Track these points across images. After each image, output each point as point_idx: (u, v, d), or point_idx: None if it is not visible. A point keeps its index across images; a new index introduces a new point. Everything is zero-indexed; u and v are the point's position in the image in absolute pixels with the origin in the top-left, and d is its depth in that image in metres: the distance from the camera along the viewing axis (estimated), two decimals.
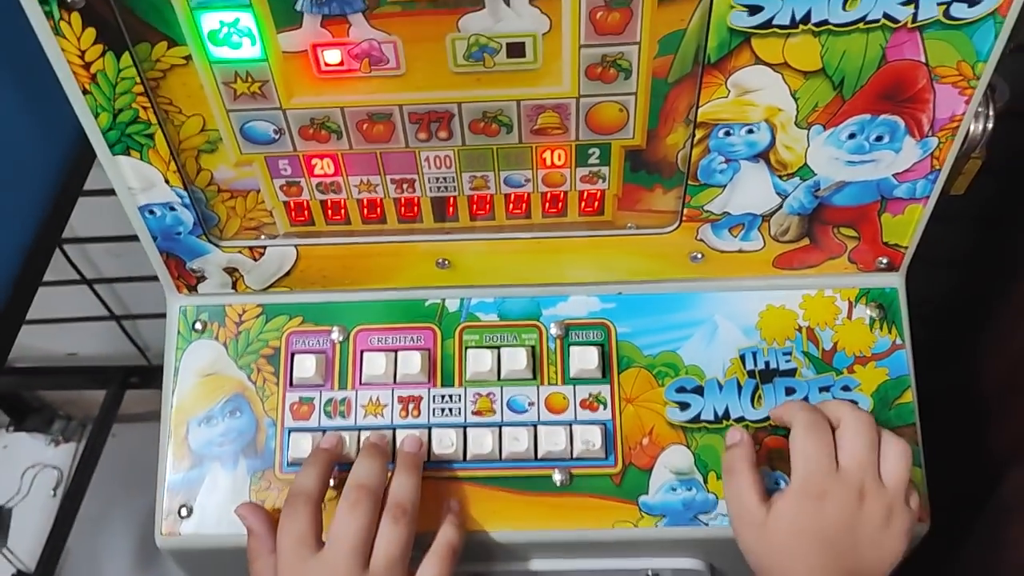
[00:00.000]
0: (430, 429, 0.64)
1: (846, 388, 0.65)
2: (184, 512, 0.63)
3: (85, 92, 0.54)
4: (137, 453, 1.69)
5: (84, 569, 1.57)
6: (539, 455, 0.64)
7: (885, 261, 0.65)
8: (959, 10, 0.49)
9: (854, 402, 0.63)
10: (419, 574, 0.59)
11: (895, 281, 0.67)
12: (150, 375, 1.63)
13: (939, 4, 0.49)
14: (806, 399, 0.64)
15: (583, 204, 0.63)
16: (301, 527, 0.58)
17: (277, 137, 0.58)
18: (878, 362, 0.65)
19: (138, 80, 0.53)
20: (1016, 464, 0.83)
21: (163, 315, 1.61)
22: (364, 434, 0.64)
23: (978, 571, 0.90)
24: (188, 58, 0.53)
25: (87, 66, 0.52)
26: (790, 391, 0.64)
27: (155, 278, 1.27)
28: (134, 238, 0.80)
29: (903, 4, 0.49)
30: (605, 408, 0.65)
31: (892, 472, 0.58)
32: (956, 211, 0.83)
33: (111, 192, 0.79)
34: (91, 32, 0.51)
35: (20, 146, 0.81)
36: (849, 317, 0.66)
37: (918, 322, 0.71)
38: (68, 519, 1.42)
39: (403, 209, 0.63)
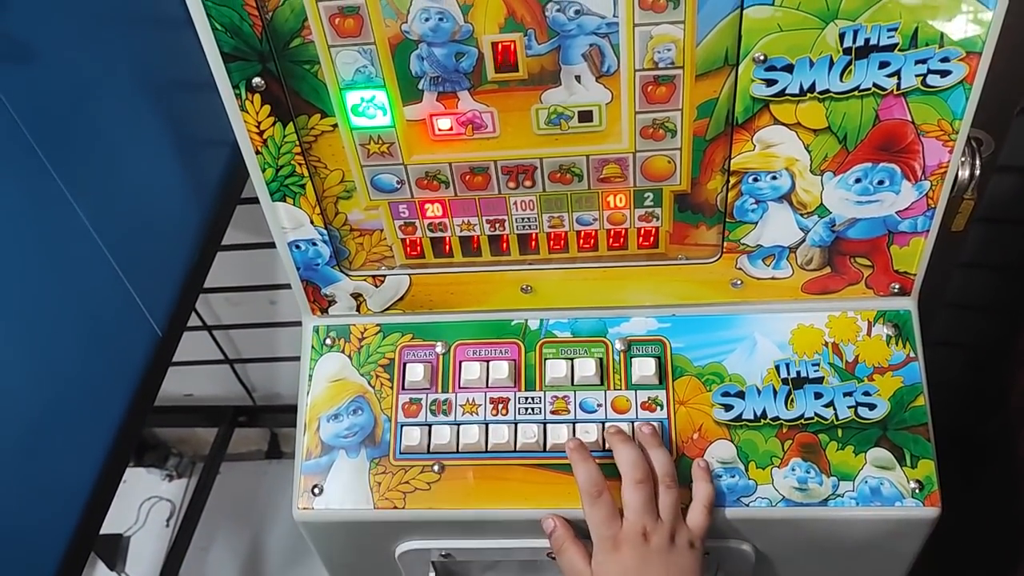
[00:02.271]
0: (516, 425, 0.74)
1: (867, 394, 0.72)
2: (316, 491, 0.74)
3: (257, 152, 0.67)
4: (240, 489, 1.83)
5: None
6: (607, 447, 0.72)
7: (897, 287, 0.73)
8: (934, 80, 0.60)
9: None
10: (689, 520, 0.70)
11: (908, 304, 0.75)
12: (256, 414, 1.73)
13: (916, 76, 0.60)
14: (831, 403, 0.72)
15: (641, 239, 0.73)
16: (605, 511, 0.69)
17: (399, 187, 0.70)
18: (894, 372, 0.73)
19: (297, 143, 0.67)
20: None
21: (271, 359, 1.76)
22: (463, 427, 0.74)
23: None
24: (335, 126, 0.66)
25: (261, 132, 0.66)
26: (818, 396, 0.73)
27: (266, 325, 1.42)
28: (251, 288, 0.91)
29: (888, 76, 0.60)
30: (662, 409, 0.74)
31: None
32: None
33: (237, 248, 0.92)
34: (267, 108, 0.65)
35: (175, 208, 0.93)
36: (869, 335, 0.74)
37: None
38: (182, 548, 1.50)
39: (495, 244, 0.74)
